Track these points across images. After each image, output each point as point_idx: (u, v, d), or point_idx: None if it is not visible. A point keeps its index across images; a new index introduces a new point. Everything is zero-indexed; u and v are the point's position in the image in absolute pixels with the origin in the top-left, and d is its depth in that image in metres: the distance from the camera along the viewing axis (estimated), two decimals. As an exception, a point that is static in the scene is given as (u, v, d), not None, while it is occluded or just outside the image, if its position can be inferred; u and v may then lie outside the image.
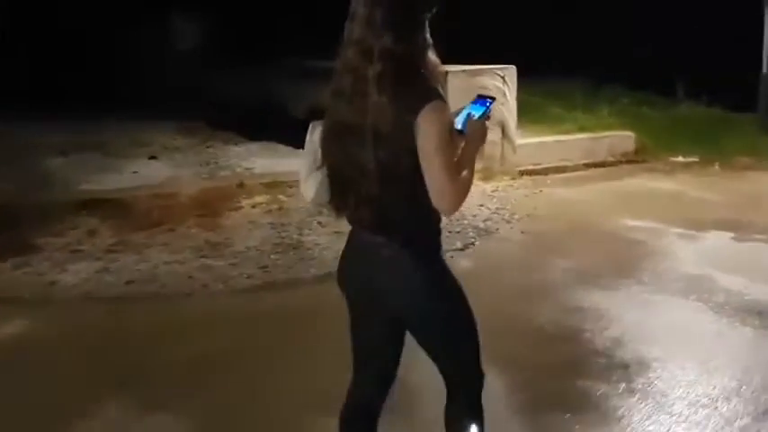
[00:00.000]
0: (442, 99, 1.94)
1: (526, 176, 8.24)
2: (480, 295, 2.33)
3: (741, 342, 3.87)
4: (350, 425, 2.30)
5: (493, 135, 8.03)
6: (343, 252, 2.21)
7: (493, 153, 8.04)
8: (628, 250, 5.37)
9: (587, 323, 4.09)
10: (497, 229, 6.03)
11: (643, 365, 3.59)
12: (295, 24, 11.75)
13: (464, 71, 7.79)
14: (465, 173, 1.99)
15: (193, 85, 11.93)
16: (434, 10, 2.02)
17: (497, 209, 6.72)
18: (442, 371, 2.20)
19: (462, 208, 6.65)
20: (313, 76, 9.77)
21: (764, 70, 10.36)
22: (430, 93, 1.94)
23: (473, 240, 5.60)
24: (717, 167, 8.71)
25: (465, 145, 2.04)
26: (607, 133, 9.54)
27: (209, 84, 11.75)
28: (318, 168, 2.11)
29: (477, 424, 2.19)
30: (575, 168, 8.39)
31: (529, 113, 9.16)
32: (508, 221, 6.31)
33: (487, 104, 2.11)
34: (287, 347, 3.72)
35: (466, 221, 6.17)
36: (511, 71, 8.11)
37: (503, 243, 5.65)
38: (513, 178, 8.15)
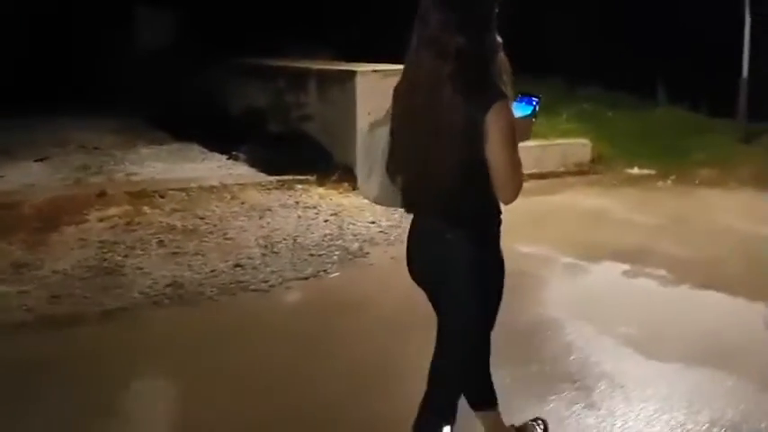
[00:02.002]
0: (507, 97, 2.08)
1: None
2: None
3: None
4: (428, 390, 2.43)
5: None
6: (409, 238, 2.38)
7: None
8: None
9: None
10: (368, 252, 5.38)
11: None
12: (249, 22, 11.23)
13: (376, 71, 7.12)
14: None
15: (149, 83, 11.65)
16: (497, 8, 2.13)
17: (390, 226, 6.06)
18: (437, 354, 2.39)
19: (346, 224, 5.79)
20: (255, 74, 9.47)
21: (744, 75, 9.44)
22: (499, 91, 2.07)
23: (326, 268, 4.96)
24: (670, 182, 7.90)
25: None
26: (560, 141, 8.77)
27: (166, 81, 11.40)
28: (388, 168, 2.25)
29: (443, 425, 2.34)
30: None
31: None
32: (391, 243, 5.65)
33: (534, 103, 2.21)
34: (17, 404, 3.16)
35: (340, 242, 5.56)
36: (436, 72, 7.41)
37: (361, 271, 5.01)
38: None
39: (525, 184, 2.19)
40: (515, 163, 2.10)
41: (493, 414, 2.59)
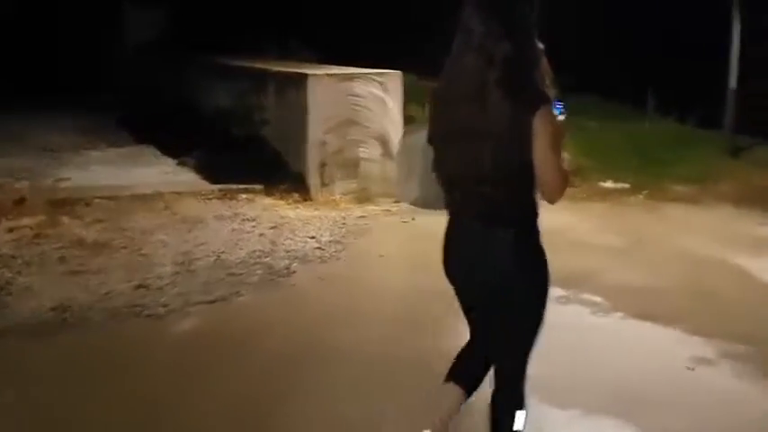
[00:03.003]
0: (551, 102, 2.17)
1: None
2: None
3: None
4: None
5: (372, 151, 7.02)
6: (446, 241, 2.41)
7: (370, 172, 7.01)
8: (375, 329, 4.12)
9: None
10: (294, 272, 5.05)
11: None
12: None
13: (330, 75, 6.78)
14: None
15: (128, 83, 11.49)
16: (534, 12, 2.23)
17: (331, 242, 5.72)
18: (495, 357, 2.44)
19: (282, 239, 5.27)
20: (223, 75, 9.17)
21: (732, 85, 8.98)
22: (545, 96, 2.17)
23: (240, 290, 4.62)
24: (641, 197, 7.49)
25: None
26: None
27: (144, 81, 11.22)
28: (434, 170, 2.36)
29: (518, 411, 2.38)
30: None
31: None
32: (324, 261, 5.31)
33: (560, 107, 2.27)
34: None
35: (268, 259, 5.25)
36: (394, 77, 7.06)
37: (277, 294, 4.66)
38: (398, 202, 7.10)
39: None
40: (561, 165, 2.19)
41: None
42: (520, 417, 2.37)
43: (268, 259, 5.25)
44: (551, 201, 2.24)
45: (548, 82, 2.26)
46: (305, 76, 6.74)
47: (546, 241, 2.32)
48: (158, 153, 7.96)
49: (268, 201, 6.59)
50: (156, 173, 7.05)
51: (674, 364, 3.71)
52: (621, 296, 4.59)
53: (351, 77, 6.84)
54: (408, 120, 9.81)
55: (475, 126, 2.17)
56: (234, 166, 7.08)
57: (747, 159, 8.81)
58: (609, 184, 8.04)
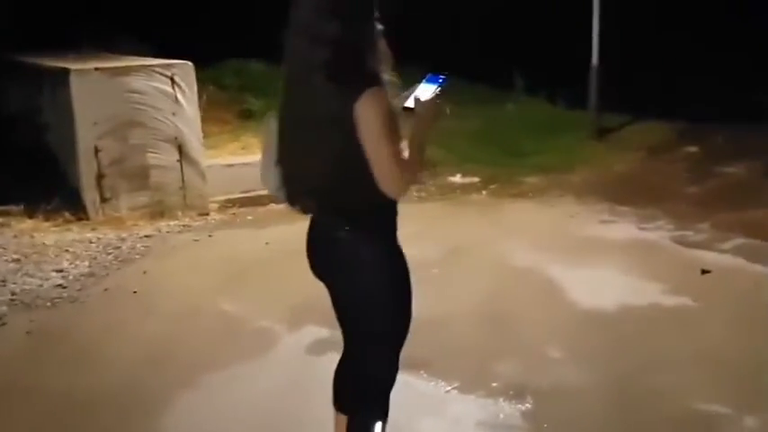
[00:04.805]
0: (381, 85, 1.96)
1: (222, 212, 6.20)
2: None
3: None
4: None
5: (165, 156, 5.97)
6: (307, 237, 2.23)
7: (164, 181, 5.96)
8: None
9: None
10: (3, 323, 3.98)
11: None
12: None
13: (99, 69, 5.69)
14: (411, 154, 2.00)
15: None
16: None
17: (82, 276, 4.70)
18: (352, 354, 2.24)
19: (19, 275, 4.70)
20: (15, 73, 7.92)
21: (594, 62, 8.25)
22: (372, 79, 1.96)
23: None
24: (485, 194, 6.68)
25: (415, 124, 2.04)
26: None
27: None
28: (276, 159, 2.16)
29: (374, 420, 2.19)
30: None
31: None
32: (54, 305, 4.28)
33: (439, 81, 2.06)
34: None
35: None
36: (186, 69, 6.02)
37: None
38: (204, 214, 6.10)
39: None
40: (396, 153, 1.96)
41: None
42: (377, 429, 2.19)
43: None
44: (393, 196, 2.01)
45: (384, 66, 2.01)
46: (67, 71, 5.63)
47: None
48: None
49: (27, 224, 5.49)
50: None
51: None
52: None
53: (127, 71, 5.76)
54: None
55: (306, 113, 2.01)
56: (2, 182, 5.94)
57: (612, 141, 8.14)
58: (457, 179, 7.24)
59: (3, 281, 4.56)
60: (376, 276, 2.08)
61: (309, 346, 3.67)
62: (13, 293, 4.40)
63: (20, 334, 3.90)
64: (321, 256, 2.17)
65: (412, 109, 2.03)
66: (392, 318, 2.15)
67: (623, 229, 5.46)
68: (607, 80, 8.25)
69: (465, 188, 6.91)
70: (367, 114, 1.90)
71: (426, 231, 5.47)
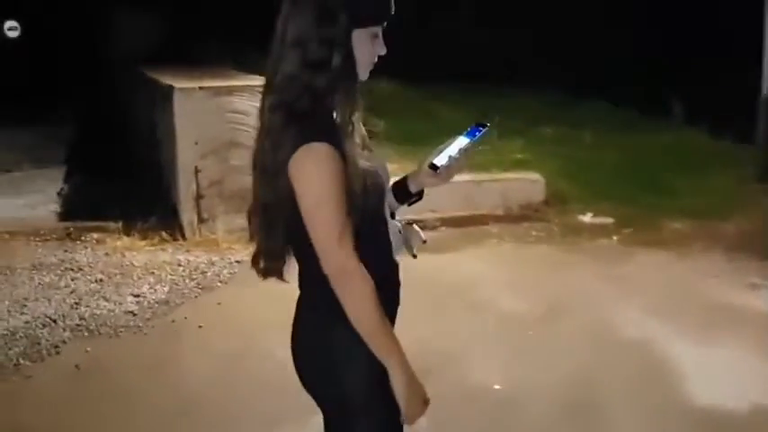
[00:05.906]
0: (327, 139, 1.53)
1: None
2: None
3: None
4: None
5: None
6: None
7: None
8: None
9: None
10: (58, 353, 3.85)
11: None
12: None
13: (203, 88, 5.54)
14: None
15: (93, 94, 10.75)
16: (383, 24, 1.64)
17: (153, 302, 4.55)
18: None
19: (95, 299, 4.55)
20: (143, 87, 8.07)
21: (765, 91, 7.14)
22: (313, 133, 1.54)
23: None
24: (616, 239, 5.84)
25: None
26: (503, 176, 6.87)
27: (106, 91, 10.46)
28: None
29: None
30: (432, 225, 5.85)
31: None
32: (117, 335, 4.11)
33: (476, 134, 1.76)
34: None
35: (44, 330, 4.14)
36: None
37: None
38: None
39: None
40: (336, 225, 1.53)
41: None
42: None
43: (45, 330, 4.07)
44: (327, 275, 1.56)
45: (348, 116, 1.58)
46: (171, 88, 5.52)
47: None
48: (59, 178, 6.96)
49: (122, 242, 5.41)
50: (19, 204, 6.04)
51: None
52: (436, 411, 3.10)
53: (230, 90, 5.57)
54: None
55: (257, 165, 1.66)
56: (110, 197, 5.98)
57: (781, 185, 6.95)
58: (587, 218, 6.42)
59: (77, 303, 4.45)
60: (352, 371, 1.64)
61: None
62: (81, 318, 4.25)
63: (69, 367, 3.70)
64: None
65: (437, 167, 1.71)
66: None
67: (777, 298, 4.50)
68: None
69: (594, 230, 6.09)
70: (299, 176, 1.54)
71: (534, 280, 4.81)
